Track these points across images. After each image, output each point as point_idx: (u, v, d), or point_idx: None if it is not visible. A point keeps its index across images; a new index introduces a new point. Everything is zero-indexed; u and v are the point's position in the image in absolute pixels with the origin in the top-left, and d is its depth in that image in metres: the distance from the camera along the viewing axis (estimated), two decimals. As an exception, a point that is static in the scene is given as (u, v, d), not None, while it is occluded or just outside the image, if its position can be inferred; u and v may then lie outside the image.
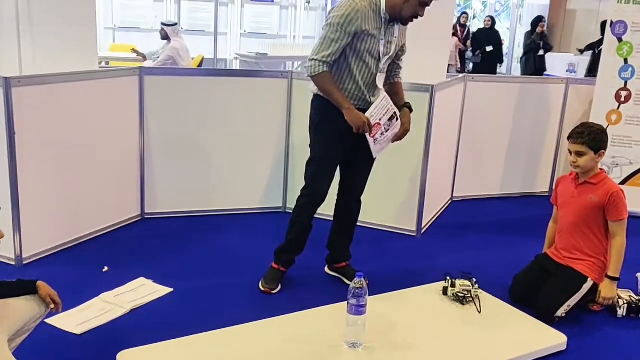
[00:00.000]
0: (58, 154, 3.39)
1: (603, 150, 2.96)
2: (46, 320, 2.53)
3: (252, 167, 4.17)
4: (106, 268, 3.29)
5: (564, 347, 2.69)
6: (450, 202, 4.77)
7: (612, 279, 2.96)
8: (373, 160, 3.13)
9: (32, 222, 3.27)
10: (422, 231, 4.05)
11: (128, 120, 3.83)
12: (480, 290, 3.02)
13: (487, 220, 4.46)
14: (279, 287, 3.14)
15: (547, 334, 2.75)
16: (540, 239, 3.38)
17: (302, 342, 2.61)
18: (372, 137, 2.94)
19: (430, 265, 3.56)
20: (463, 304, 2.95)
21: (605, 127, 4.53)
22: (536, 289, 3.02)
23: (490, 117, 4.75)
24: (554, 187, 3.23)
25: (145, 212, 4.06)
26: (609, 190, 2.93)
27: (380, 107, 2.93)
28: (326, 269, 3.36)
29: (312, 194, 3.05)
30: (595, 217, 2.97)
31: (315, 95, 2.98)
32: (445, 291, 3.02)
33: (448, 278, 3.05)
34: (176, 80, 3.96)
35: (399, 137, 3.03)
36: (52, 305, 2.30)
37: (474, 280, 3.04)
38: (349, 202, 3.21)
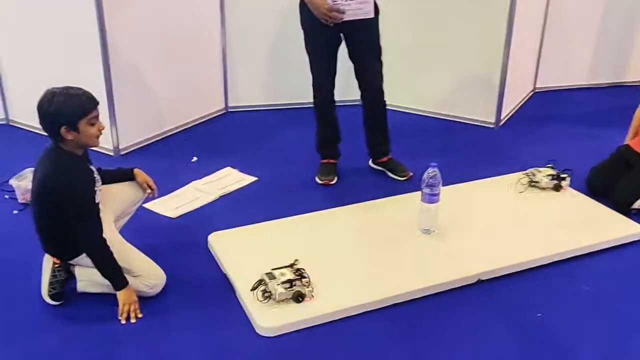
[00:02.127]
0: (146, 50, 3.56)
1: None
2: (144, 205, 2.79)
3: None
4: (195, 158, 3.52)
5: (639, 237, 2.70)
6: (532, 93, 4.64)
7: None
8: (372, 50, 3.05)
9: (126, 116, 3.50)
10: (501, 123, 4.01)
11: (209, 14, 3.92)
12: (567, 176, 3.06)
13: (571, 112, 4.32)
14: (336, 178, 3.25)
15: (623, 224, 2.75)
16: (627, 131, 3.28)
17: (376, 228, 2.75)
18: (345, 14, 2.84)
19: (507, 157, 3.56)
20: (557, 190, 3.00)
21: None
22: (615, 180, 2.99)
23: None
24: None
25: (229, 105, 4.22)
26: None
27: None
28: (370, 163, 3.41)
29: (314, 83, 3.13)
30: None
31: None
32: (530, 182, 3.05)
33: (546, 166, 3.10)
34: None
35: None
36: (149, 191, 2.54)
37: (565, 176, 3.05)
38: (367, 97, 3.18)
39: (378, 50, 3.09)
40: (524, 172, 3.11)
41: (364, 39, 3.03)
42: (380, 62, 3.12)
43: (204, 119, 4.08)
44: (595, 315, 2.25)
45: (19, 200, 2.97)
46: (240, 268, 2.44)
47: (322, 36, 3.02)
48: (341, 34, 3.02)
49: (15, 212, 2.93)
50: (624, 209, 2.86)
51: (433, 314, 2.26)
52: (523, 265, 2.48)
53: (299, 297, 2.23)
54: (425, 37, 4.03)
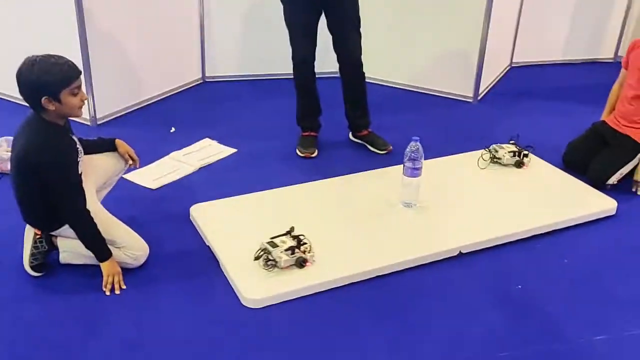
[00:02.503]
0: (122, 20, 3.48)
1: None
2: (124, 176, 2.75)
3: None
4: (173, 129, 3.47)
5: (613, 212, 2.77)
6: (509, 67, 4.68)
7: None
8: (350, 16, 3.04)
9: (103, 86, 3.43)
10: (479, 97, 4.05)
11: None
12: (532, 156, 3.09)
13: (547, 86, 4.38)
14: (316, 151, 3.25)
15: (597, 199, 2.82)
16: (601, 107, 3.34)
17: (358, 201, 2.77)
18: None
19: (486, 131, 3.59)
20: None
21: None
22: (590, 156, 3.05)
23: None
24: (627, 50, 3.10)
25: (206, 75, 4.17)
26: None
27: None
28: (350, 136, 3.42)
29: (295, 56, 3.11)
30: None
31: None
32: (493, 158, 3.10)
33: (511, 141, 3.14)
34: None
35: None
36: (131, 162, 2.50)
37: (526, 153, 3.08)
38: (346, 69, 3.17)
39: (357, 21, 3.08)
40: (486, 148, 3.15)
41: (344, 10, 3.01)
42: (359, 34, 3.11)
43: (181, 89, 4.02)
44: (575, 286, 2.32)
45: (-5, 170, 2.91)
46: (224, 240, 2.44)
47: (302, 9, 3.00)
48: (320, 7, 2.99)
49: (-9, 181, 2.87)
50: (600, 185, 2.93)
51: (417, 285, 2.29)
52: (503, 238, 2.53)
53: (301, 263, 2.27)
54: (404, 11, 4.01)
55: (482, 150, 3.15)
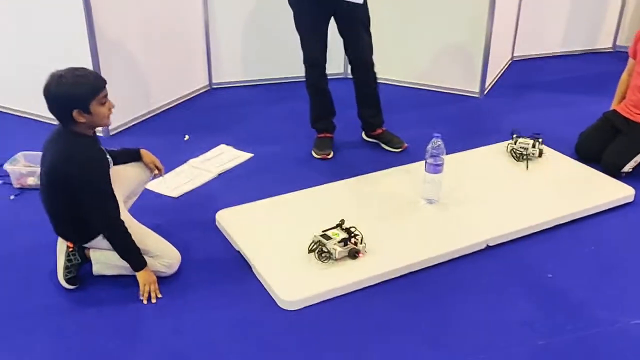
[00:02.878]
0: (129, 30, 3.48)
1: None
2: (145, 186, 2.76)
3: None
4: (187, 137, 3.48)
5: (631, 199, 2.82)
6: (511, 61, 4.73)
7: None
8: (361, 18, 3.06)
9: (113, 96, 3.37)
10: (485, 92, 4.09)
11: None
12: (545, 147, 3.13)
13: (550, 79, 4.44)
14: (332, 152, 3.27)
15: (615, 187, 2.87)
16: (604, 97, 3.40)
17: (381, 200, 2.79)
18: None
19: (496, 125, 3.64)
20: (517, 161, 3.09)
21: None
22: (603, 145, 3.10)
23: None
24: (634, 39, 3.14)
25: (213, 82, 4.18)
26: None
27: None
28: (363, 136, 3.45)
29: (306, 59, 3.12)
30: None
31: None
32: (511, 150, 3.14)
33: (514, 136, 3.16)
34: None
35: None
36: (156, 171, 2.51)
37: (540, 140, 3.12)
38: (358, 71, 3.21)
39: (367, 21, 3.10)
40: (511, 139, 3.19)
41: (354, 12, 3.03)
42: (370, 34, 3.13)
43: (189, 97, 4.03)
44: (604, 272, 2.36)
45: (15, 185, 2.90)
46: (254, 244, 2.46)
47: (312, 12, 3.02)
48: (330, 10, 3.01)
49: (11, 197, 2.86)
50: (615, 173, 2.97)
51: (449, 280, 2.32)
52: (528, 230, 2.56)
53: (354, 254, 2.33)
54: (410, 11, 4.05)
55: (509, 142, 3.19)
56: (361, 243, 2.37)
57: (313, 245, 2.36)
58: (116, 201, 2.16)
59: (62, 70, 2.08)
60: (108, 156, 2.22)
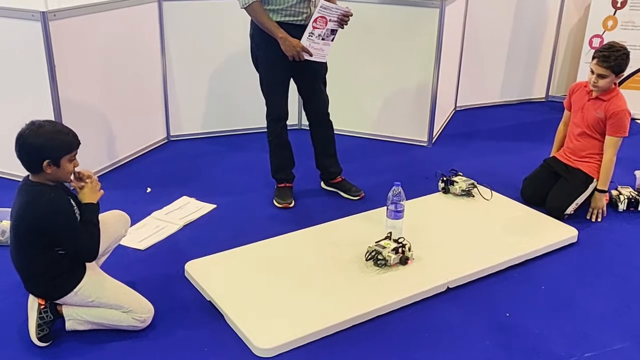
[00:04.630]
0: (91, 83, 3.54)
1: (622, 73, 3.17)
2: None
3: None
4: (149, 189, 3.52)
5: (575, 240, 3.03)
6: (454, 111, 5.01)
7: (601, 191, 3.25)
8: (322, 74, 3.26)
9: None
10: (433, 141, 4.32)
11: (150, 45, 3.95)
12: (494, 192, 3.37)
13: (490, 127, 4.72)
14: (293, 201, 3.38)
15: (560, 229, 3.08)
16: (542, 144, 3.66)
17: (344, 245, 2.89)
18: (312, 56, 3.04)
19: (444, 171, 3.81)
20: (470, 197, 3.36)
21: (601, 33, 4.77)
22: (546, 189, 3.33)
23: (490, 25, 4.90)
24: (568, 93, 3.44)
25: (171, 135, 4.25)
26: (614, 109, 3.16)
27: (319, 18, 2.98)
28: (322, 185, 3.58)
29: (271, 112, 3.26)
30: (602, 129, 3.23)
31: (252, 21, 3.12)
32: (445, 190, 3.40)
33: (443, 176, 3.42)
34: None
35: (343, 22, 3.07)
36: (82, 183, 2.35)
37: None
38: (317, 122, 3.38)
39: (325, 74, 3.29)
40: (440, 180, 3.45)
41: (317, 68, 3.20)
42: (325, 86, 3.32)
43: (147, 150, 4.08)
44: (556, 309, 2.53)
45: None
46: (225, 293, 2.51)
47: (281, 71, 3.16)
48: (294, 68, 3.14)
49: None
50: (559, 215, 3.20)
51: (414, 322, 2.44)
52: (485, 271, 2.72)
53: (405, 260, 2.71)
54: (361, 67, 4.26)
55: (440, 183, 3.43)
56: (409, 251, 2.72)
57: (370, 255, 2.71)
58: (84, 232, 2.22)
59: (42, 121, 2.18)
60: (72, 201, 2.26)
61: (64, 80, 3.30)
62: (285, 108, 3.24)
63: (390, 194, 2.81)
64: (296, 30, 3.02)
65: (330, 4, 3.00)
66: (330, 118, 3.39)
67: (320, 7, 2.96)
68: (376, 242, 2.73)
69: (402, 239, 2.74)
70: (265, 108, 3.27)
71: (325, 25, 3.01)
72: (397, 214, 2.81)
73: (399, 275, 2.67)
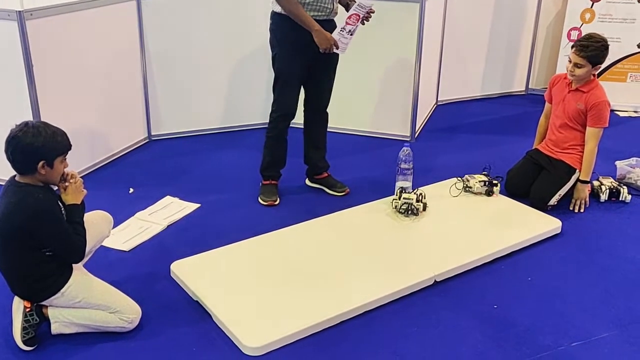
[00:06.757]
0: (70, 82, 3.49)
1: (600, 65, 3.20)
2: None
3: (248, 84, 4.32)
4: (132, 190, 3.48)
5: (559, 231, 3.06)
6: (435, 106, 5.03)
7: (583, 182, 3.29)
8: (334, 71, 3.30)
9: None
10: (416, 135, 4.33)
11: (130, 45, 3.91)
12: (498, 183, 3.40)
13: (473, 120, 4.75)
14: (278, 199, 3.37)
15: (544, 220, 3.11)
16: (524, 136, 3.69)
17: (332, 242, 2.89)
18: (338, 49, 3.09)
19: (430, 165, 3.85)
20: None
21: (579, 25, 4.82)
22: (529, 181, 3.36)
23: (469, 19, 4.93)
24: (548, 85, 3.47)
25: (152, 134, 4.21)
26: (594, 100, 3.19)
27: (353, 15, 3.06)
28: (307, 182, 3.57)
29: (281, 108, 3.23)
30: (582, 120, 3.27)
31: (275, 13, 3.11)
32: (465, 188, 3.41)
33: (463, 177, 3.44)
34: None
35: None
36: (67, 184, 2.30)
37: (423, 194, 3.26)
38: (316, 115, 3.38)
39: (334, 71, 3.30)
40: (459, 177, 3.41)
41: (334, 57, 3.20)
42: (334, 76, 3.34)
43: (128, 150, 4.03)
44: (542, 300, 2.55)
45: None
46: (212, 292, 2.50)
47: (299, 65, 3.13)
48: (313, 59, 3.12)
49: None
50: (542, 207, 3.22)
51: (403, 315, 2.44)
52: (472, 264, 2.73)
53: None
54: (343, 61, 4.21)
55: (455, 179, 3.41)
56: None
57: (401, 206, 3.06)
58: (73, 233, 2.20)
59: (36, 122, 2.16)
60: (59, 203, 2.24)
61: (42, 80, 3.25)
62: (295, 105, 3.22)
63: (400, 154, 3.05)
64: (319, 24, 3.02)
65: (365, 2, 3.04)
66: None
67: (357, 5, 3.04)
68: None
69: (421, 193, 3.07)
70: (272, 105, 3.24)
71: (357, 22, 3.08)
72: (407, 172, 3.11)
73: (386, 270, 2.68)
